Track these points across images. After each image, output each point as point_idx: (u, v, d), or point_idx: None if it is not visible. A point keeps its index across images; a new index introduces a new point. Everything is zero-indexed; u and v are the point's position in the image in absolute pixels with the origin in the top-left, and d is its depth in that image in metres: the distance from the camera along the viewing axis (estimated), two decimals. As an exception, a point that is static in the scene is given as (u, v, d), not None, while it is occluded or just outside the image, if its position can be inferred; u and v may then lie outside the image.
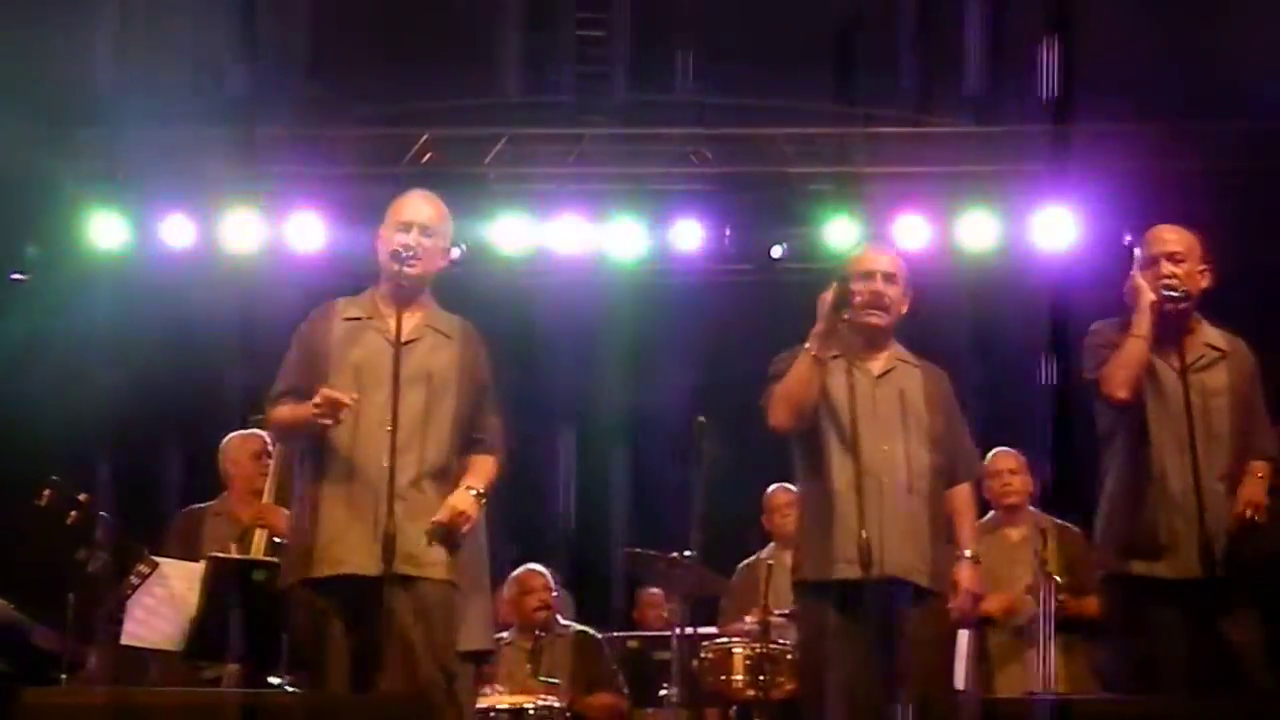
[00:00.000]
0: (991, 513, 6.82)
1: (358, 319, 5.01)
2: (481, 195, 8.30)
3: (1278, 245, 8.05)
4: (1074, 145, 8.40)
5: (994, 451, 6.74)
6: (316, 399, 4.80)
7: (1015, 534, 6.73)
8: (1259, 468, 5.22)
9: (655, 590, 7.90)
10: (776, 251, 8.55)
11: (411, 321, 5.01)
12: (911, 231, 8.35)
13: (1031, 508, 6.81)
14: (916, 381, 5.26)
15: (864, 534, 4.83)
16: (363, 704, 4.71)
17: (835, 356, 5.12)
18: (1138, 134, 8.43)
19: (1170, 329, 5.23)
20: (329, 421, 4.81)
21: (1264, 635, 5.12)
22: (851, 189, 8.51)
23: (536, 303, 8.19)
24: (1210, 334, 5.34)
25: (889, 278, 5.26)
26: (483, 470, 5.05)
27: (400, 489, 4.82)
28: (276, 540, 5.97)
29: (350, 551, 4.79)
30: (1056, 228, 8.46)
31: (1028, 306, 8.19)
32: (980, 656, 6.57)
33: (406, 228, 5.05)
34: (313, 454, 4.95)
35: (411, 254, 4.99)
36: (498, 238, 8.35)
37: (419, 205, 5.12)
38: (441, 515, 4.87)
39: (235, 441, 6.52)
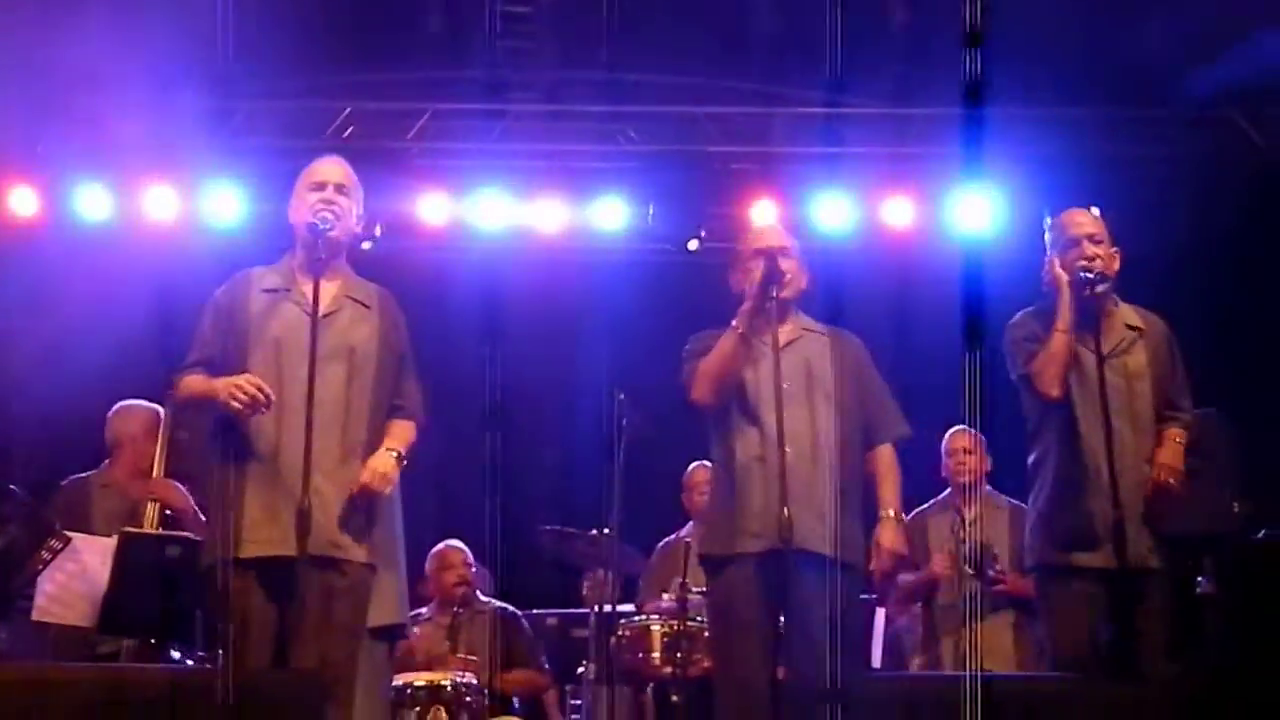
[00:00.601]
0: (947, 490, 6.87)
1: (274, 290, 4.95)
2: (404, 170, 8.24)
3: (1196, 231, 8.12)
4: (992, 129, 8.42)
5: (951, 430, 6.81)
6: (240, 384, 4.73)
7: (969, 513, 6.78)
8: (1175, 434, 5.30)
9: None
10: (693, 245, 8.54)
11: (330, 292, 4.95)
12: (833, 211, 8.35)
13: (989, 487, 6.85)
14: (823, 349, 5.29)
15: (786, 510, 4.84)
16: (269, 680, 4.71)
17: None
18: (1056, 119, 8.45)
19: (1090, 313, 5.30)
20: (247, 413, 4.75)
21: (1171, 621, 5.28)
22: (773, 169, 8.51)
23: (457, 278, 8.13)
24: (1128, 314, 5.41)
25: (785, 252, 5.31)
26: (402, 434, 5.03)
27: (323, 468, 4.79)
28: (167, 513, 5.95)
29: (270, 533, 4.76)
30: (975, 211, 8.50)
31: (947, 289, 8.23)
32: (928, 632, 6.63)
33: (321, 186, 5.01)
34: (230, 431, 4.87)
35: (330, 212, 4.94)
36: (419, 212, 8.29)
37: (331, 166, 5.10)
38: (364, 476, 4.85)
39: (127, 412, 6.44)
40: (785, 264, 5.25)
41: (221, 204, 8.17)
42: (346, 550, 4.86)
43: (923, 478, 6.72)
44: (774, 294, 5.13)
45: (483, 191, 8.38)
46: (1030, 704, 4.89)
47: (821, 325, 5.40)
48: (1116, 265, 5.38)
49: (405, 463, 4.98)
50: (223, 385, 4.78)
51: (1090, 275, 5.24)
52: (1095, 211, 5.49)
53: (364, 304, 5.05)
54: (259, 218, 8.14)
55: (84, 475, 6.42)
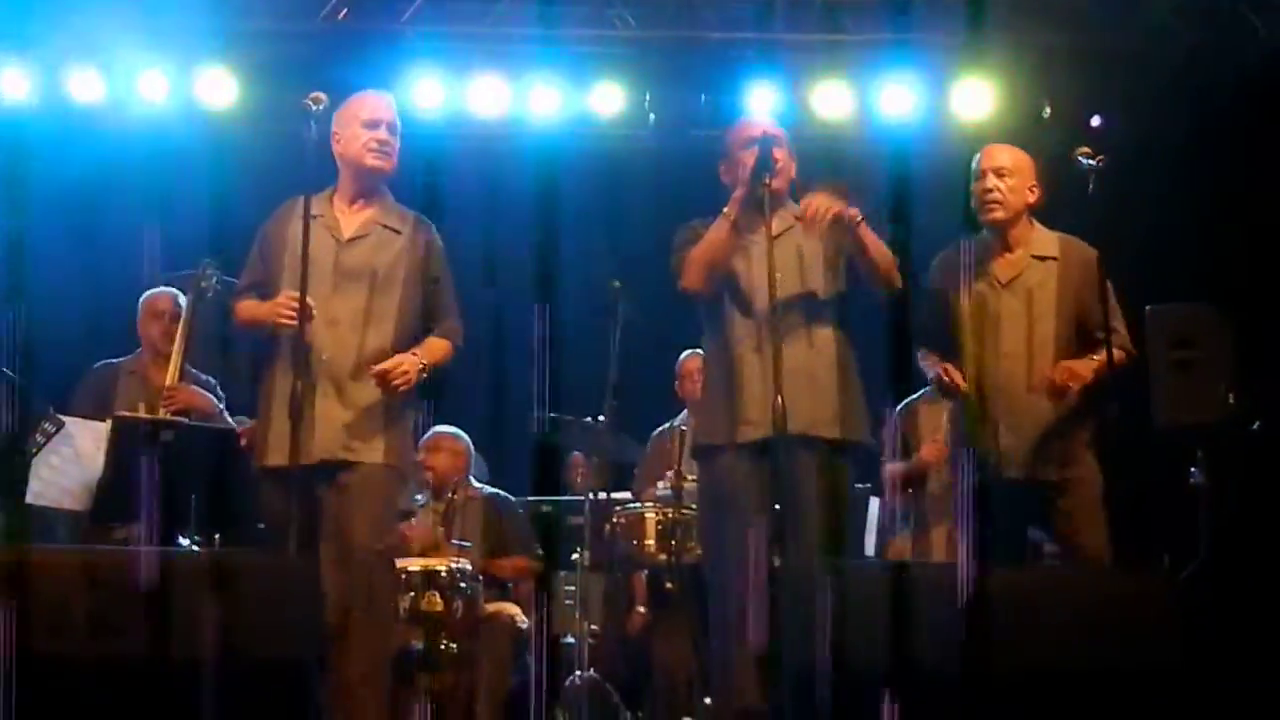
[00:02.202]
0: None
1: (314, 217, 5.10)
2: (398, 54, 8.14)
3: (1196, 121, 8.05)
4: (993, 17, 8.34)
5: None
6: (281, 304, 4.99)
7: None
8: (1094, 356, 5.33)
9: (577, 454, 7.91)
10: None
11: (361, 218, 5.22)
12: (833, 101, 8.28)
13: None
14: (813, 236, 5.27)
15: (779, 399, 4.83)
16: (271, 563, 4.74)
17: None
18: (1058, 8, 8.35)
19: (994, 244, 5.46)
20: (287, 322, 4.97)
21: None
22: (772, 56, 8.42)
23: (452, 163, 8.06)
24: (1042, 243, 5.47)
25: (776, 141, 5.29)
26: (432, 347, 5.24)
27: (339, 380, 5.06)
28: (187, 421, 5.96)
29: (290, 442, 4.88)
30: (975, 99, 8.43)
31: (946, 177, 8.18)
32: (916, 519, 6.67)
33: (375, 124, 5.22)
34: (269, 347, 5.18)
35: (384, 152, 5.21)
36: (414, 97, 8.20)
37: (383, 104, 5.29)
38: (385, 364, 5.04)
39: (145, 300, 6.44)
40: (777, 153, 5.22)
41: (215, 87, 8.07)
42: (359, 453, 5.08)
43: (916, 369, 6.71)
44: (766, 182, 5.10)
45: (478, 76, 8.29)
46: (1022, 593, 4.89)
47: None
48: (1030, 200, 5.50)
49: (426, 373, 5.17)
50: (268, 309, 5.07)
51: (991, 206, 5.40)
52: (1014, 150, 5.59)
53: (394, 229, 5.25)
54: (252, 101, 8.06)
55: (114, 361, 6.42)
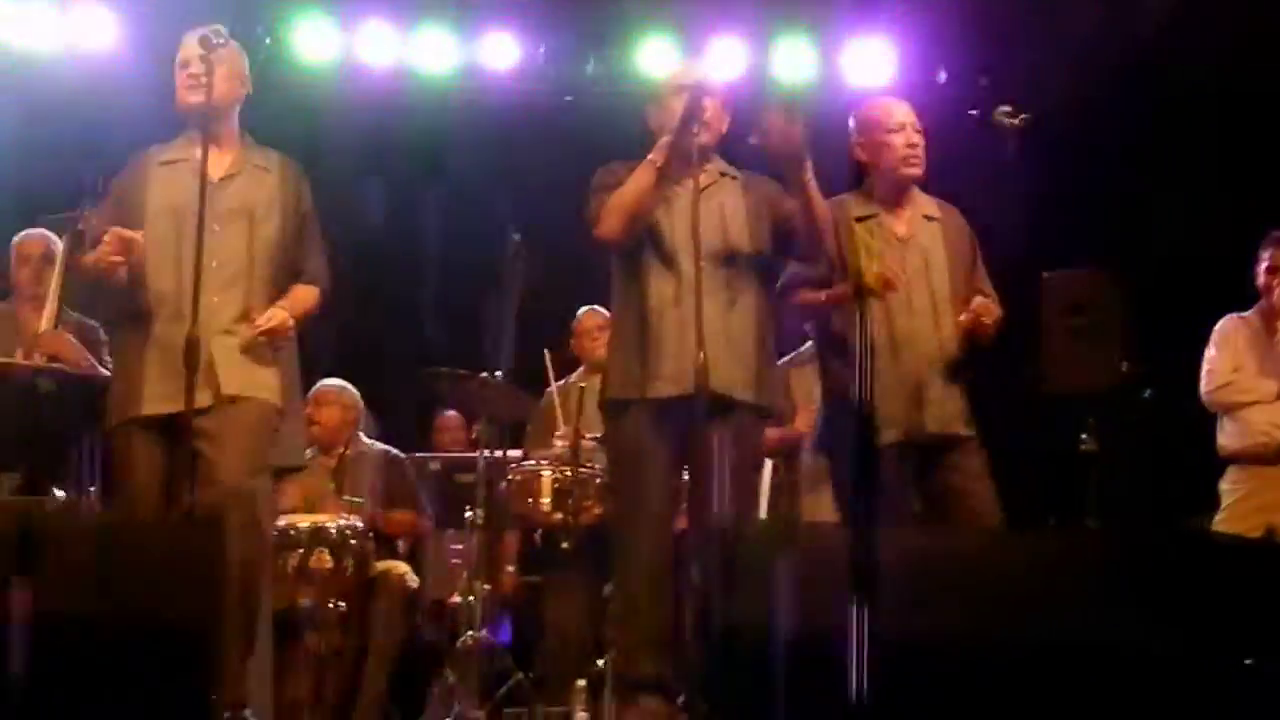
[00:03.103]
0: (808, 343, 6.82)
1: (172, 162, 5.03)
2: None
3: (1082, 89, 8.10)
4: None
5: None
6: (103, 246, 4.85)
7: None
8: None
9: (452, 413, 7.78)
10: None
11: (228, 158, 5.09)
12: (727, 56, 8.20)
13: None
14: (737, 193, 5.19)
15: (702, 355, 4.75)
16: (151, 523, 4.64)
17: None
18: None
19: (885, 200, 5.39)
20: (119, 259, 4.86)
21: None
22: (667, 9, 8.33)
23: (341, 114, 7.89)
24: (926, 203, 5.46)
25: (709, 91, 5.16)
26: (301, 297, 5.14)
27: (223, 323, 4.94)
28: (55, 369, 5.77)
29: (170, 389, 4.81)
30: (872, 60, 8.41)
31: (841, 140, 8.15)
32: (787, 484, 6.63)
33: (185, 64, 5.06)
34: (135, 294, 4.99)
35: (193, 83, 5.00)
36: (299, 44, 8.00)
37: (188, 43, 5.07)
38: (261, 321, 4.96)
39: (14, 244, 6.24)
40: (707, 101, 5.09)
41: (96, 28, 7.81)
42: (251, 390, 4.98)
43: (789, 330, 6.69)
44: (695, 132, 4.99)
45: (367, 23, 8.10)
46: (917, 555, 4.86)
47: (735, 169, 5.29)
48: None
49: (294, 327, 5.08)
50: (93, 258, 4.95)
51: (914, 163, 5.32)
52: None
53: (264, 168, 5.15)
54: (132, 44, 7.81)
55: None
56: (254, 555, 4.92)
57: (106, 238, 4.88)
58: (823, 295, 5.29)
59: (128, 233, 4.87)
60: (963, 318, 5.27)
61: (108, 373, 5.74)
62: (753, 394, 5.08)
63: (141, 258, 4.94)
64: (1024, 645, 4.38)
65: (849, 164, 5.54)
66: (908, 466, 5.24)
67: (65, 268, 5.87)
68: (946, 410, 5.28)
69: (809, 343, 6.77)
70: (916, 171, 5.39)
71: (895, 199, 5.41)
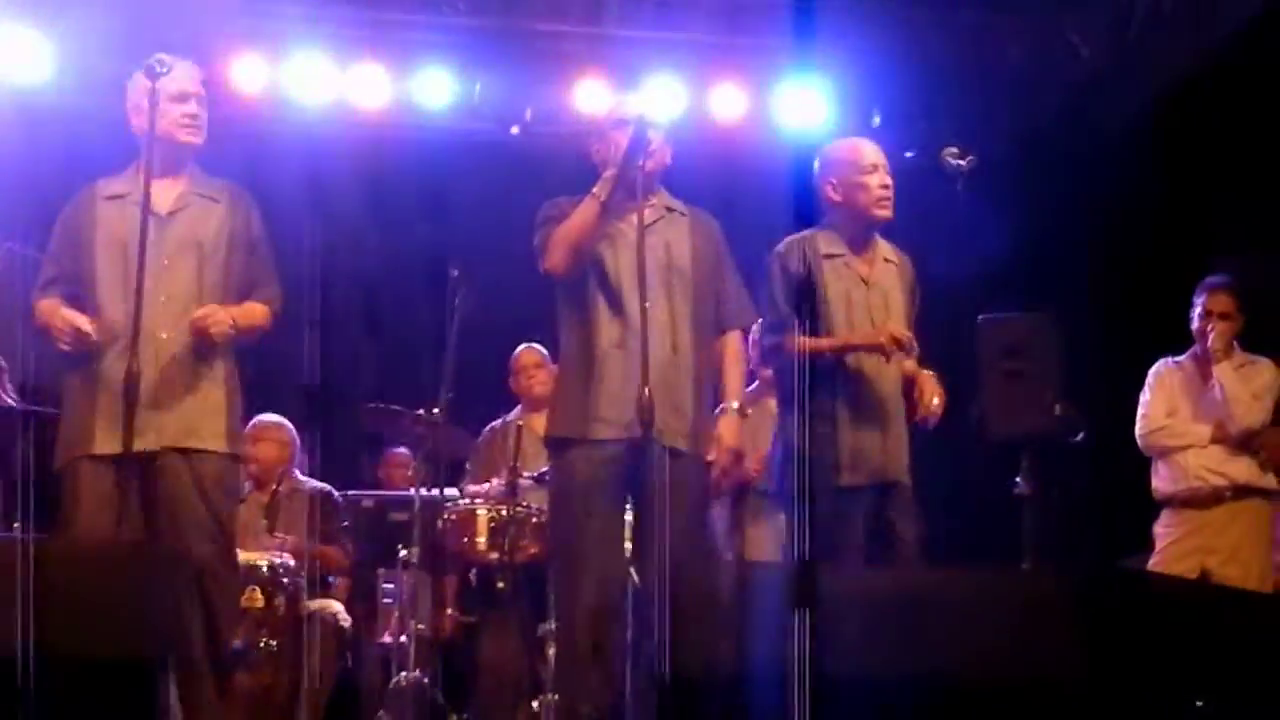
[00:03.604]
0: (756, 382, 6.82)
1: (119, 196, 4.94)
2: (217, 29, 7.85)
3: (1020, 136, 8.18)
4: (821, 22, 8.36)
5: (759, 322, 6.72)
6: (60, 329, 4.81)
7: (774, 405, 6.73)
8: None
9: (402, 450, 7.69)
10: (515, 129, 8.33)
11: (176, 190, 5.02)
12: (664, 96, 8.19)
13: None
14: (683, 231, 5.19)
15: (648, 392, 4.72)
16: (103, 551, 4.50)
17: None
18: (886, 16, 8.40)
19: (848, 241, 5.40)
20: (71, 348, 4.83)
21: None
22: (602, 51, 8.33)
23: (275, 148, 7.81)
24: (884, 246, 5.50)
25: (651, 122, 5.14)
26: (249, 308, 5.05)
27: (178, 362, 4.86)
28: None
29: (124, 426, 4.66)
30: (803, 104, 8.44)
31: (776, 181, 8.19)
32: (734, 521, 6.60)
33: (184, 98, 5.01)
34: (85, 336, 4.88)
35: (197, 126, 5.04)
36: (233, 76, 7.93)
37: (191, 75, 5.06)
38: (198, 312, 4.86)
39: None
40: (652, 134, 5.08)
41: (28, 56, 7.70)
42: (205, 440, 4.89)
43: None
44: (639, 164, 4.97)
45: (300, 57, 8.04)
46: (852, 592, 4.84)
47: (682, 204, 5.28)
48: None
49: (235, 331, 4.96)
50: (56, 329, 4.86)
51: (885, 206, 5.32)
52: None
53: (212, 199, 5.08)
54: (67, 73, 7.72)
55: None
56: (219, 589, 4.86)
57: (59, 323, 4.82)
58: (827, 343, 5.27)
59: (82, 324, 4.80)
60: (931, 405, 5.29)
61: (12, 400, 5.68)
62: (688, 444, 5.06)
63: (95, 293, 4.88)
64: (964, 683, 4.39)
65: (801, 202, 5.56)
66: (863, 507, 5.25)
67: None
68: (901, 454, 5.31)
69: (755, 383, 6.78)
70: (887, 214, 5.38)
71: (862, 240, 5.41)
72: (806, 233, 5.43)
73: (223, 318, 4.89)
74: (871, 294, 5.33)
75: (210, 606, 4.76)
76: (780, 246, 5.45)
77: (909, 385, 5.34)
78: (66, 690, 3.92)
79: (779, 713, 4.34)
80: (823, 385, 5.27)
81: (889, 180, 5.37)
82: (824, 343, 5.26)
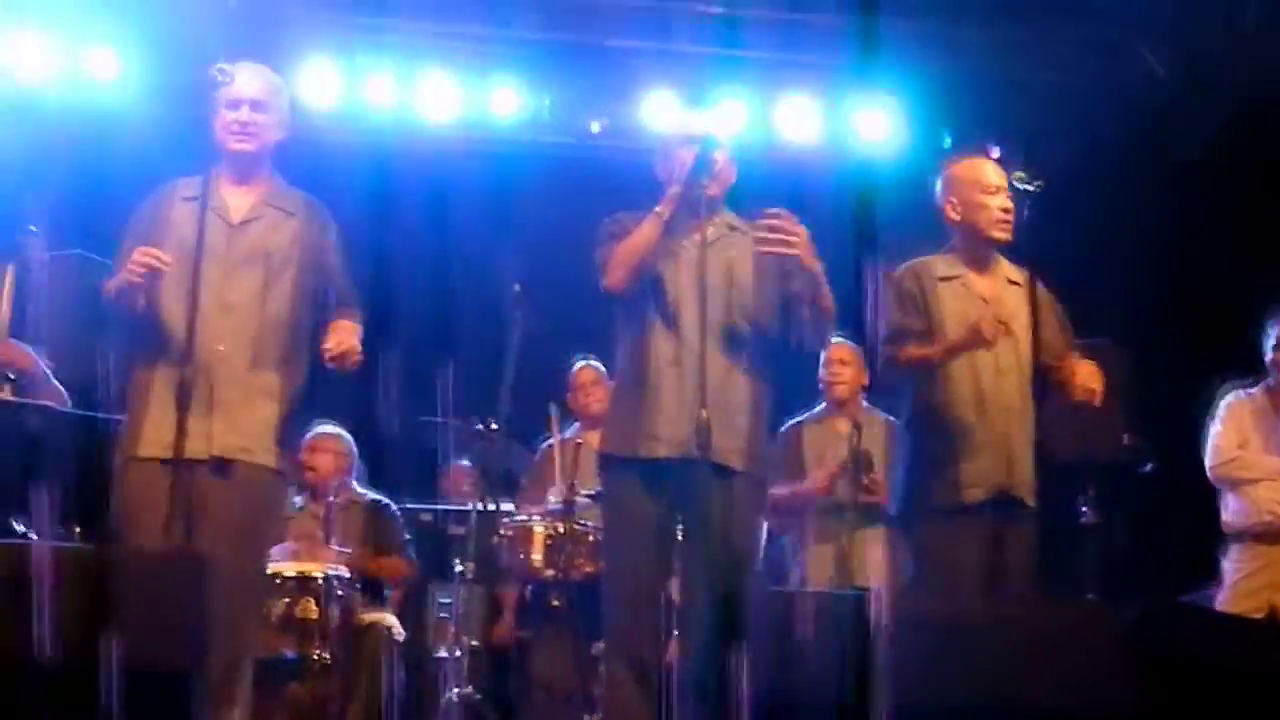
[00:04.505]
0: (822, 404, 6.77)
1: (195, 198, 4.80)
2: (291, 42, 7.88)
3: (1092, 159, 8.07)
4: (891, 41, 8.31)
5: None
6: (132, 262, 4.67)
7: (844, 425, 6.68)
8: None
9: (465, 463, 7.65)
10: (595, 126, 8.32)
11: (250, 199, 4.93)
12: (733, 114, 8.17)
13: (864, 401, 6.77)
14: (745, 250, 5.12)
15: (704, 413, 4.67)
16: (144, 559, 4.44)
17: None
18: (955, 36, 8.34)
19: (970, 262, 5.31)
20: (139, 279, 4.69)
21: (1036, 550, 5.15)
22: (673, 67, 8.30)
23: (343, 159, 7.82)
24: (1009, 267, 5.36)
25: (717, 142, 5.07)
26: (352, 328, 4.94)
27: (229, 373, 4.76)
28: (11, 376, 5.67)
29: (170, 434, 4.62)
30: (877, 123, 8.39)
31: (845, 201, 8.14)
32: (801, 542, 6.56)
33: (236, 104, 4.89)
34: (148, 331, 4.84)
35: (245, 134, 4.89)
36: (306, 88, 7.96)
37: (249, 80, 4.93)
38: (331, 344, 4.78)
39: None
40: (717, 153, 5.03)
41: (101, 65, 7.76)
42: (251, 454, 4.80)
43: (801, 389, 6.63)
44: (704, 184, 4.93)
45: (372, 70, 8.06)
46: (918, 624, 4.77)
47: (745, 222, 5.23)
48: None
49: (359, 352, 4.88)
50: (128, 270, 4.72)
51: (1004, 229, 5.23)
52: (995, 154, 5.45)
53: (288, 211, 4.98)
54: (136, 79, 7.77)
55: None
56: (243, 601, 4.81)
57: (135, 254, 4.71)
58: (935, 349, 5.20)
59: (155, 252, 4.69)
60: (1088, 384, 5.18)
61: (60, 389, 5.66)
62: (744, 463, 4.98)
63: (159, 293, 4.79)
64: (1024, 715, 4.31)
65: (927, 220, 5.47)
66: (983, 527, 5.13)
67: (10, 291, 5.80)
68: (1027, 476, 5.15)
69: (822, 403, 6.72)
70: (1006, 236, 5.29)
71: (982, 260, 5.33)
72: (923, 259, 5.39)
73: (357, 345, 4.83)
74: (994, 313, 5.18)
75: (233, 619, 4.64)
76: (896, 270, 5.42)
77: (1053, 376, 5.19)
78: (98, 698, 3.90)
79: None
80: (940, 399, 5.23)
81: (1010, 204, 5.26)
82: (929, 350, 5.20)
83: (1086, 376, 5.20)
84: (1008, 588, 5.11)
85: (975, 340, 5.11)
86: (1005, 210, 5.27)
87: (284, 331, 4.88)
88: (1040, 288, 5.30)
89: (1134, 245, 7.82)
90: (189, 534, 4.59)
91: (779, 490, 6.56)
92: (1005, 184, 5.29)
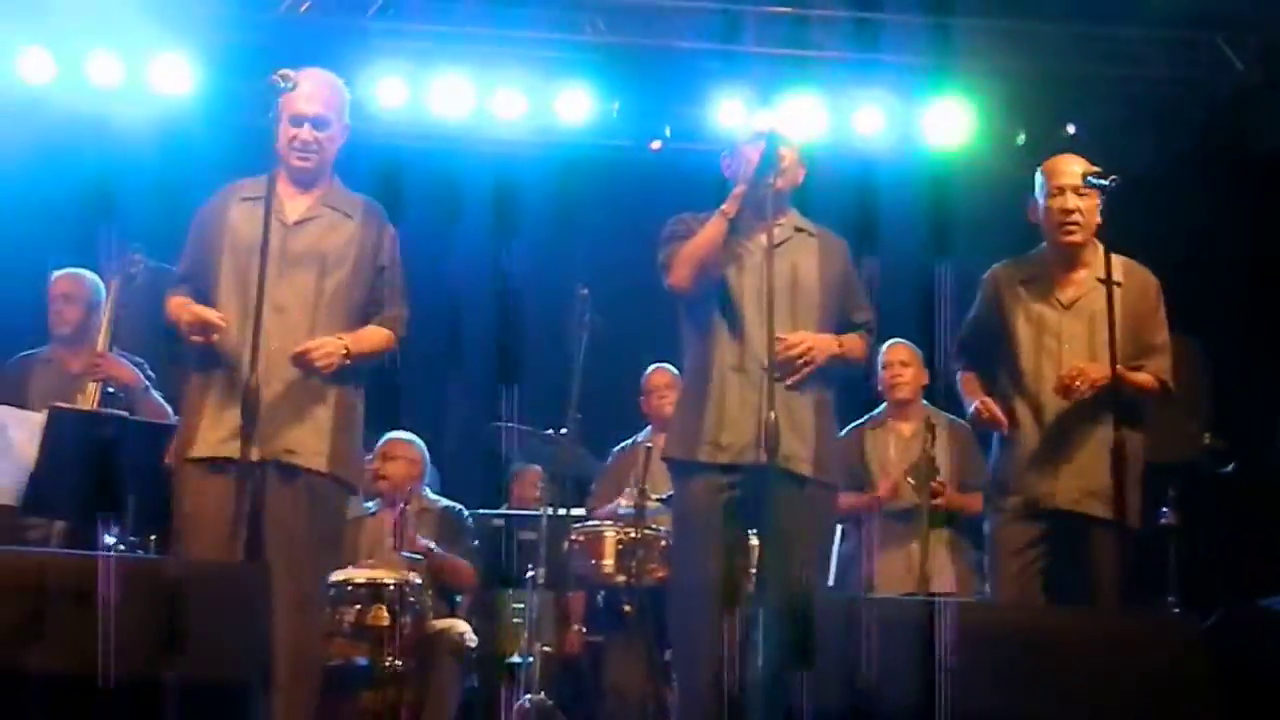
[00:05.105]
0: (883, 405, 6.70)
1: (254, 199, 4.83)
2: (360, 49, 7.90)
3: (1170, 154, 7.96)
4: (963, 40, 8.24)
5: (887, 343, 6.62)
6: (187, 318, 4.74)
7: (906, 428, 6.64)
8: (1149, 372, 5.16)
9: (536, 467, 7.62)
10: (656, 144, 8.30)
11: (306, 201, 4.93)
12: (805, 115, 8.11)
13: (924, 402, 6.70)
14: (812, 252, 5.07)
15: (773, 415, 4.62)
16: (208, 570, 4.46)
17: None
18: (1029, 33, 8.24)
19: (1056, 263, 5.22)
20: (200, 340, 4.75)
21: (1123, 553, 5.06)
22: (742, 69, 8.26)
23: (412, 164, 7.84)
24: (1103, 266, 5.16)
25: (785, 139, 5.05)
26: (368, 334, 4.91)
27: (282, 373, 4.74)
28: (110, 391, 5.72)
29: (223, 435, 4.69)
30: (945, 122, 8.31)
31: (918, 201, 8.08)
32: (866, 547, 6.48)
33: (299, 121, 4.90)
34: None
35: (305, 153, 4.91)
36: (376, 94, 7.97)
37: (312, 96, 4.93)
38: (305, 344, 4.75)
39: (63, 283, 6.14)
40: (783, 150, 4.98)
41: (170, 74, 7.81)
42: (305, 458, 4.78)
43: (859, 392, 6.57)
44: (770, 181, 4.88)
45: (441, 75, 8.08)
46: (993, 628, 4.70)
47: (813, 225, 5.17)
48: (1098, 220, 5.21)
49: (350, 359, 4.82)
50: (185, 323, 4.79)
51: (1071, 231, 5.17)
52: (1084, 161, 5.31)
53: (345, 213, 4.97)
54: (208, 89, 7.82)
55: (30, 353, 6.12)
56: (303, 606, 4.75)
57: (187, 318, 4.75)
58: (974, 399, 5.25)
59: (211, 317, 4.73)
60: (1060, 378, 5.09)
61: (161, 402, 5.68)
62: (812, 468, 4.94)
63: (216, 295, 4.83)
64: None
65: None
66: (1034, 539, 5.11)
67: (114, 307, 5.84)
68: (1082, 485, 5.08)
69: (882, 405, 6.66)
70: (1074, 239, 5.20)
71: (1066, 262, 5.24)
72: (1001, 264, 5.35)
73: (331, 349, 4.77)
74: (1075, 318, 5.16)
75: (293, 624, 4.61)
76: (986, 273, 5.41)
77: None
78: (158, 713, 3.89)
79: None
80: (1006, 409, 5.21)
81: (1071, 205, 5.17)
82: (974, 398, 5.23)
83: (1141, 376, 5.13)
84: (1082, 599, 5.06)
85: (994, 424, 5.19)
86: (1064, 211, 5.19)
87: (337, 333, 4.84)
88: (1143, 282, 5.23)
89: (1213, 243, 7.69)
90: (245, 537, 4.54)
91: (844, 497, 6.51)
92: (1074, 184, 5.19)
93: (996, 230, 6.52)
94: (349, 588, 5.99)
